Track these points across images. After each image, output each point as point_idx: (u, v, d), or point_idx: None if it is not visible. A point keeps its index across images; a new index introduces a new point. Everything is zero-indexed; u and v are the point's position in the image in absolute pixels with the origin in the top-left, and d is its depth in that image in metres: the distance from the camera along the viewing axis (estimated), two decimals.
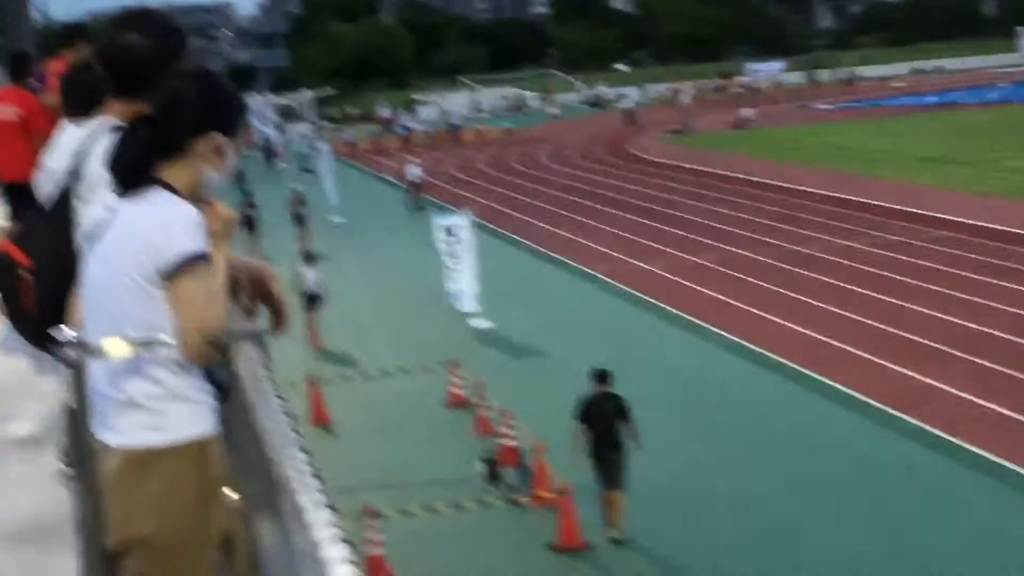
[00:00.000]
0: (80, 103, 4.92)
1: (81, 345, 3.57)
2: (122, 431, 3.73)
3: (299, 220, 42.07)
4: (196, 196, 3.82)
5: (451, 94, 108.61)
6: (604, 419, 16.97)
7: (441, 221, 30.07)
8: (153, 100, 3.88)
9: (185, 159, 3.82)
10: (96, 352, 3.59)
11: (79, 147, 4.45)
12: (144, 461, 3.69)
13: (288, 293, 4.34)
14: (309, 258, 30.17)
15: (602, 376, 17.58)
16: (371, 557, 15.69)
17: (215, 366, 3.79)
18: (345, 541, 2.52)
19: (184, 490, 3.69)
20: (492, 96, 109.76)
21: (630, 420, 17.05)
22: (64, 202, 4.44)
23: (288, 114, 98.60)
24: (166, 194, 3.75)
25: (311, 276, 28.86)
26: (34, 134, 11.82)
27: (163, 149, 3.81)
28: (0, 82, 13.70)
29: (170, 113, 3.82)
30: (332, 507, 2.53)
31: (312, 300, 28.28)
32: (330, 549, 2.46)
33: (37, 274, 4.39)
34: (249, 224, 41.02)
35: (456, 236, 29.17)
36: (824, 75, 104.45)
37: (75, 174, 4.42)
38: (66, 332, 3.59)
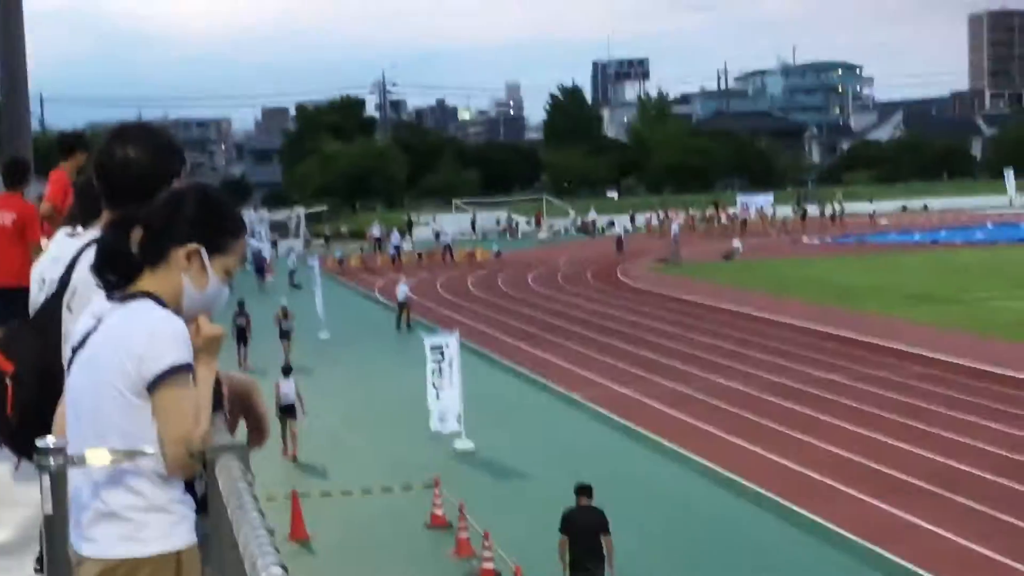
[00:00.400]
0: (90, 212, 4.96)
1: (63, 454, 3.59)
2: (100, 542, 3.72)
3: (284, 334, 42.17)
4: (179, 308, 3.85)
5: (443, 215, 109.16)
6: (586, 532, 17.45)
7: (430, 340, 30.14)
8: (151, 205, 3.91)
9: (168, 267, 3.84)
10: (78, 461, 3.61)
11: (71, 257, 4.49)
12: (121, 572, 3.69)
13: (268, 406, 4.37)
14: (286, 371, 30.61)
15: (585, 490, 18.08)
16: None
17: (196, 478, 3.80)
18: None
19: None
20: (484, 218, 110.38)
21: (609, 534, 17.51)
22: (51, 311, 4.45)
23: (280, 229, 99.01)
24: (153, 304, 3.77)
25: (286, 388, 29.27)
26: (29, 241, 11.90)
27: (150, 254, 3.84)
28: None
29: (163, 220, 3.85)
30: None
31: (287, 411, 28.70)
32: None
33: (19, 381, 4.38)
34: (241, 336, 41.24)
35: (443, 356, 29.21)
36: (812, 210, 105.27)
37: (64, 283, 4.45)
38: (48, 440, 3.60)
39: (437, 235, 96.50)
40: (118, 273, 3.81)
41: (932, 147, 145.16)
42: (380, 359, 42.60)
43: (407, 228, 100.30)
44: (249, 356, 40.97)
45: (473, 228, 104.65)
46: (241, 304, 42.57)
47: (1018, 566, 19.54)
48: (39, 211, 11.63)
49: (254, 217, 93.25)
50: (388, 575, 20.71)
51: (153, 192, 4.08)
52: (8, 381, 4.38)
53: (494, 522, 21.53)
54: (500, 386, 36.31)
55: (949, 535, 21.16)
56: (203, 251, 3.84)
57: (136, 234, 3.83)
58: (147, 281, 3.82)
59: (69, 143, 11.52)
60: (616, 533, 18.61)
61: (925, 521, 21.92)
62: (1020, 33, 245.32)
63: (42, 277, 4.78)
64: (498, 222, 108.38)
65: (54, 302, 4.46)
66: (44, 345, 4.37)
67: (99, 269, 3.84)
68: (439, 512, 23.15)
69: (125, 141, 4.38)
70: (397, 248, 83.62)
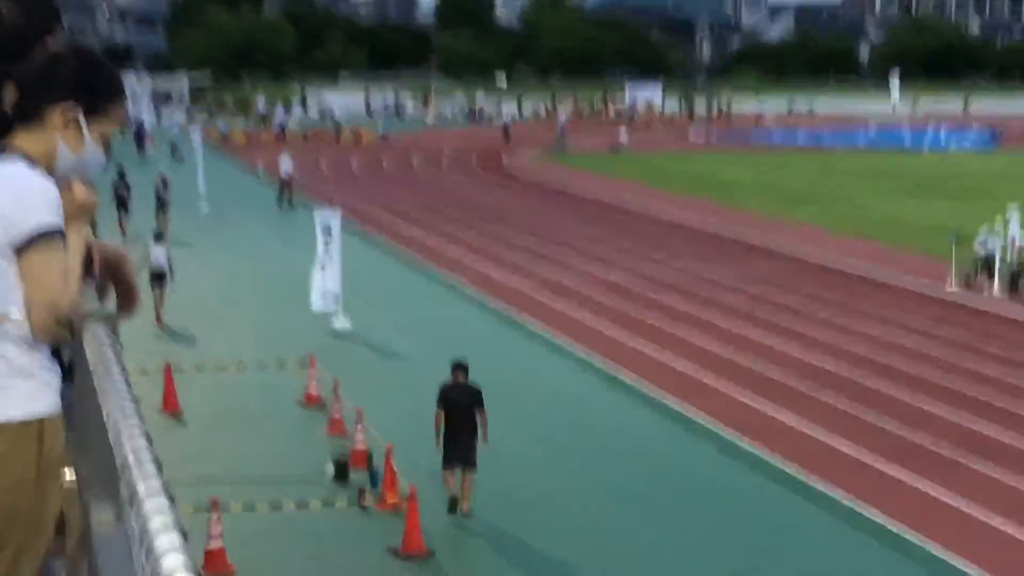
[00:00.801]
0: None
1: None
2: None
3: (161, 204, 41.68)
4: (52, 170, 3.75)
5: (332, 93, 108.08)
6: (461, 407, 18.14)
7: (319, 216, 29.76)
8: (27, 61, 3.78)
9: (43, 127, 3.73)
10: None
11: None
12: None
13: (141, 272, 4.30)
14: (159, 237, 30.98)
15: (461, 367, 18.56)
16: (210, 550, 15.55)
17: (62, 344, 3.73)
18: (181, 531, 2.50)
19: (20, 468, 3.63)
20: (373, 98, 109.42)
21: (483, 409, 18.21)
22: None
23: (163, 98, 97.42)
24: (23, 165, 3.66)
25: (159, 254, 29.37)
26: None
27: (23, 111, 3.72)
28: None
29: (40, 77, 3.73)
30: (170, 496, 2.51)
31: (159, 278, 28.87)
32: (163, 537, 2.43)
33: None
34: (121, 203, 40.87)
35: (324, 234, 29.02)
36: (700, 106, 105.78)
37: None
38: None
39: (323, 114, 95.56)
40: None
41: (820, 48, 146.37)
42: (261, 235, 42.32)
43: (302, 103, 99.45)
44: (128, 224, 40.54)
45: (368, 111, 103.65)
46: (121, 172, 42.14)
47: (877, 464, 20.04)
48: None
49: (136, 84, 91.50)
50: (259, 450, 20.69)
51: (26, 51, 3.95)
52: None
53: (368, 402, 21.59)
54: (380, 267, 36.28)
55: (812, 431, 21.61)
56: (80, 112, 3.74)
57: (9, 90, 3.71)
58: (18, 139, 3.71)
59: None
60: (495, 424, 18.83)
61: (790, 417, 22.36)
62: None
63: None
64: (385, 104, 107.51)
65: None
66: None
67: None
68: (313, 390, 23.15)
69: None
70: (282, 125, 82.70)
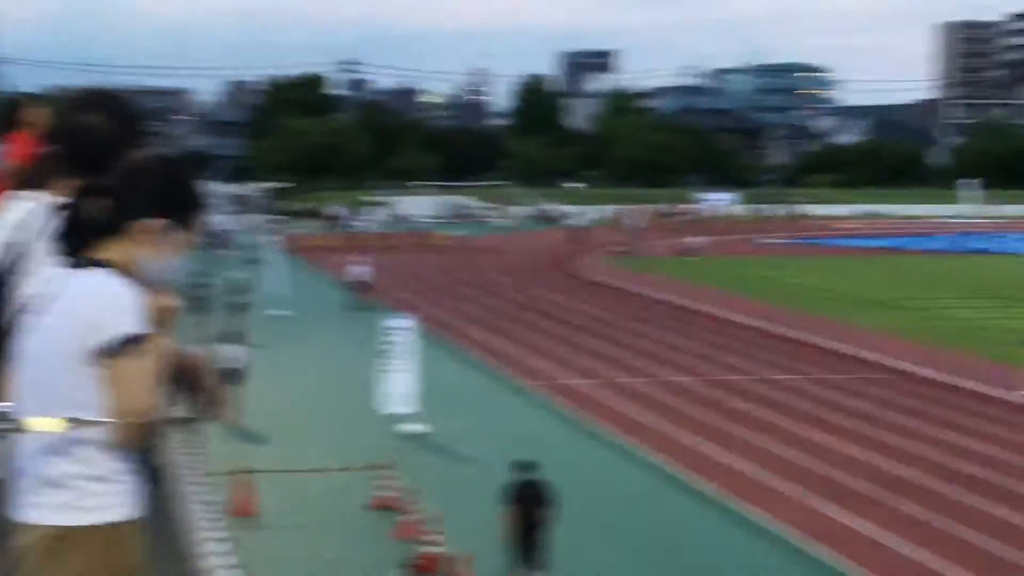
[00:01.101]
0: (48, 176, 4.92)
1: (10, 419, 3.57)
2: (43, 508, 3.71)
3: (236, 307, 42.02)
4: (137, 279, 3.83)
5: (404, 198, 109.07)
6: (528, 503, 18.17)
7: (385, 322, 30.06)
8: (113, 174, 3.88)
9: (131, 239, 3.82)
10: (24, 428, 3.59)
11: (25, 222, 4.44)
12: (62, 540, 3.68)
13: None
14: (235, 336, 31.35)
15: (526, 466, 18.73)
16: None
17: (143, 450, 3.79)
18: None
19: (100, 571, 3.68)
20: (443, 203, 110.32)
21: (551, 505, 18.30)
22: (5, 276, 4.42)
23: (240, 203, 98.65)
24: (110, 273, 3.75)
25: (233, 353, 29.55)
26: None
27: (112, 225, 3.81)
28: None
29: (126, 191, 3.82)
30: None
31: (233, 376, 28.75)
32: None
33: None
34: (198, 306, 41.28)
35: (398, 338, 29.16)
36: (772, 210, 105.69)
37: (17, 247, 4.40)
38: None
39: (396, 219, 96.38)
40: (80, 243, 3.78)
41: (894, 153, 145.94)
42: (335, 339, 42.51)
43: (373, 209, 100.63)
44: (205, 326, 40.84)
45: (440, 216, 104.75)
46: (200, 275, 42.63)
47: (959, 573, 19.68)
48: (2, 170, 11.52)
49: (214, 190, 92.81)
50: (333, 554, 20.68)
51: (114, 159, 4.06)
52: None
53: (440, 506, 21.53)
54: (453, 372, 36.30)
55: (890, 541, 21.29)
56: (168, 226, 3.83)
57: (100, 204, 3.80)
58: (107, 250, 3.80)
59: (25, 107, 11.37)
60: (561, 526, 18.87)
61: (867, 525, 22.04)
62: (987, 44, 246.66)
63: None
64: (457, 208, 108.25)
65: (5, 266, 4.42)
66: None
67: (62, 237, 3.80)
68: (385, 494, 23.12)
69: (88, 107, 4.34)
70: (355, 228, 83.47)
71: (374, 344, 30.89)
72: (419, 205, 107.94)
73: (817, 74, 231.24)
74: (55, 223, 3.90)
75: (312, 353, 39.61)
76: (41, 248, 4.27)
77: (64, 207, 3.88)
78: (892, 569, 19.87)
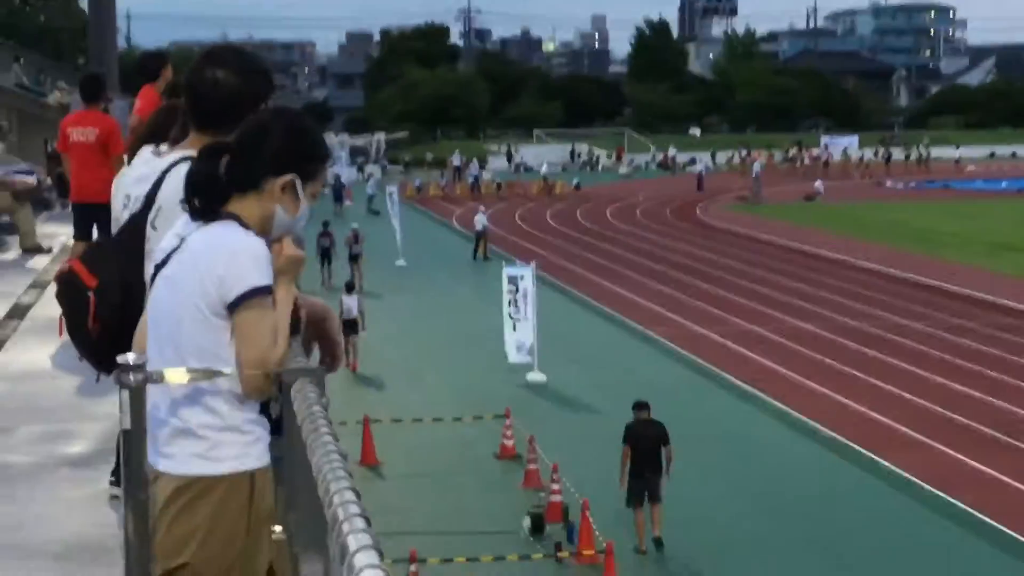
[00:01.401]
0: (173, 131, 4.97)
1: (142, 370, 3.62)
2: (176, 458, 3.77)
3: (353, 257, 42.41)
4: (266, 232, 3.87)
5: (524, 146, 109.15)
6: (648, 442, 18.82)
7: (506, 271, 30.18)
8: (239, 132, 3.91)
9: (260, 195, 3.86)
10: (157, 378, 3.64)
11: (157, 176, 4.50)
12: (195, 489, 3.73)
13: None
14: (350, 288, 31.92)
15: (642, 405, 19.49)
16: None
17: (271, 400, 3.83)
18: None
19: (232, 521, 3.73)
20: (564, 151, 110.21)
21: (670, 444, 18.85)
22: (136, 229, 4.48)
23: (360, 154, 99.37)
24: (236, 226, 3.79)
25: (351, 303, 30.15)
26: (112, 155, 12.00)
27: (240, 182, 3.85)
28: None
29: (253, 147, 3.85)
30: (378, 550, 2.55)
31: (351, 326, 29.20)
32: None
33: (102, 296, 4.43)
34: (325, 256, 41.98)
35: (519, 288, 29.24)
36: (897, 154, 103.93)
37: (150, 202, 4.46)
38: (128, 356, 3.63)
39: (518, 167, 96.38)
40: (207, 200, 3.82)
41: (1022, 93, 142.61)
42: (456, 289, 42.75)
43: (507, 156, 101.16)
44: (333, 275, 41.30)
45: (573, 158, 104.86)
46: (326, 225, 43.26)
47: None
48: (130, 125, 11.70)
49: (335, 142, 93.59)
50: (456, 504, 20.86)
51: (241, 115, 4.09)
52: (91, 295, 4.43)
53: (563, 455, 21.60)
54: (575, 320, 36.33)
55: (1019, 484, 20.98)
56: (298, 181, 3.87)
57: (226, 163, 3.84)
58: (234, 205, 3.84)
59: (156, 63, 11.52)
60: (684, 472, 18.94)
61: (996, 470, 21.74)
62: None
63: (127, 194, 4.79)
64: (579, 155, 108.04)
65: (139, 220, 4.48)
66: (127, 262, 4.40)
67: (189, 195, 3.84)
68: (509, 443, 23.25)
69: (216, 63, 4.36)
70: (476, 177, 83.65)
71: (496, 294, 31.01)
72: (540, 154, 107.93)
73: (942, 13, 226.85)
74: (183, 180, 3.94)
75: (434, 303, 39.87)
76: (168, 201, 4.31)
77: (192, 166, 3.92)
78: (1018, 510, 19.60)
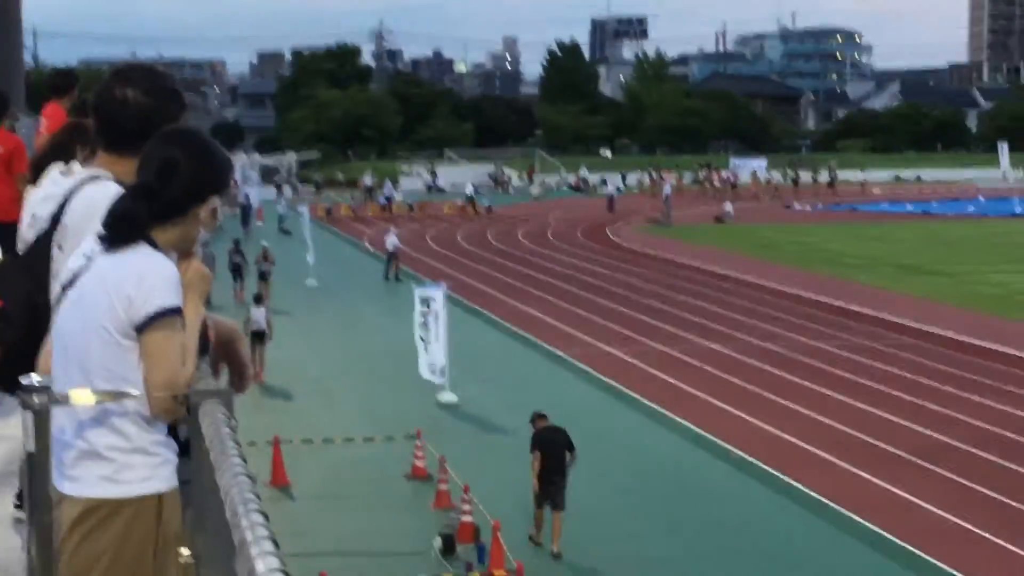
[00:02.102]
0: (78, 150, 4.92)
1: (47, 392, 3.57)
2: (81, 481, 3.72)
3: (262, 275, 42.50)
4: (186, 252, 3.86)
5: (435, 167, 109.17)
6: (556, 448, 19.65)
7: (418, 292, 30.19)
8: (145, 166, 3.89)
9: (182, 220, 3.86)
10: (62, 400, 3.60)
11: (63, 195, 4.45)
12: (101, 512, 3.69)
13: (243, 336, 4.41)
14: (258, 299, 32.78)
15: (543, 415, 20.59)
16: None
17: (179, 421, 3.79)
18: None
19: (139, 544, 3.69)
20: (475, 172, 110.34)
21: (574, 449, 19.69)
22: (41, 248, 4.43)
23: (271, 174, 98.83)
24: (145, 247, 3.77)
25: (258, 315, 31.11)
26: (16, 173, 11.85)
27: (162, 216, 3.84)
28: None
29: (168, 182, 3.84)
30: (287, 572, 2.53)
31: (258, 337, 30.24)
32: None
33: (6, 318, 4.37)
34: (236, 271, 42.46)
35: (430, 308, 29.22)
36: (805, 176, 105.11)
37: (56, 221, 4.41)
38: (32, 378, 3.59)
39: (429, 187, 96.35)
40: (129, 237, 3.79)
41: (928, 118, 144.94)
42: (367, 309, 42.66)
43: (432, 176, 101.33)
44: (245, 290, 41.42)
45: (496, 182, 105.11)
46: (236, 242, 43.88)
47: (997, 540, 19.63)
48: (36, 143, 11.54)
49: (246, 162, 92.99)
50: (367, 524, 20.76)
51: (149, 133, 4.06)
52: None
53: (475, 475, 21.60)
54: (486, 341, 36.36)
55: (930, 507, 21.25)
56: (216, 200, 3.91)
57: (143, 204, 3.81)
58: (153, 231, 3.83)
59: (65, 80, 11.41)
60: (596, 491, 19.03)
61: (906, 492, 22.00)
62: (1020, 7, 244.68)
63: (32, 213, 4.74)
64: (489, 177, 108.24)
65: (44, 240, 4.43)
66: (32, 283, 4.35)
67: (110, 233, 3.80)
68: (420, 463, 23.20)
69: (125, 82, 4.33)
70: (388, 198, 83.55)
71: (407, 313, 30.98)
72: (451, 174, 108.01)
73: (849, 38, 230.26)
74: (88, 200, 3.92)
75: (345, 323, 39.75)
76: (74, 221, 4.27)
77: (112, 206, 3.86)
78: (930, 534, 19.83)
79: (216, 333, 4.20)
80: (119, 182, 4.20)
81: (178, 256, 3.89)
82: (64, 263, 4.02)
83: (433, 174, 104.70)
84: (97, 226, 3.89)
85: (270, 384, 29.82)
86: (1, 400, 4.55)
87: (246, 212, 68.65)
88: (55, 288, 3.99)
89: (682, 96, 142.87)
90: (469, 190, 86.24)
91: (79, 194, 4.32)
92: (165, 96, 4.36)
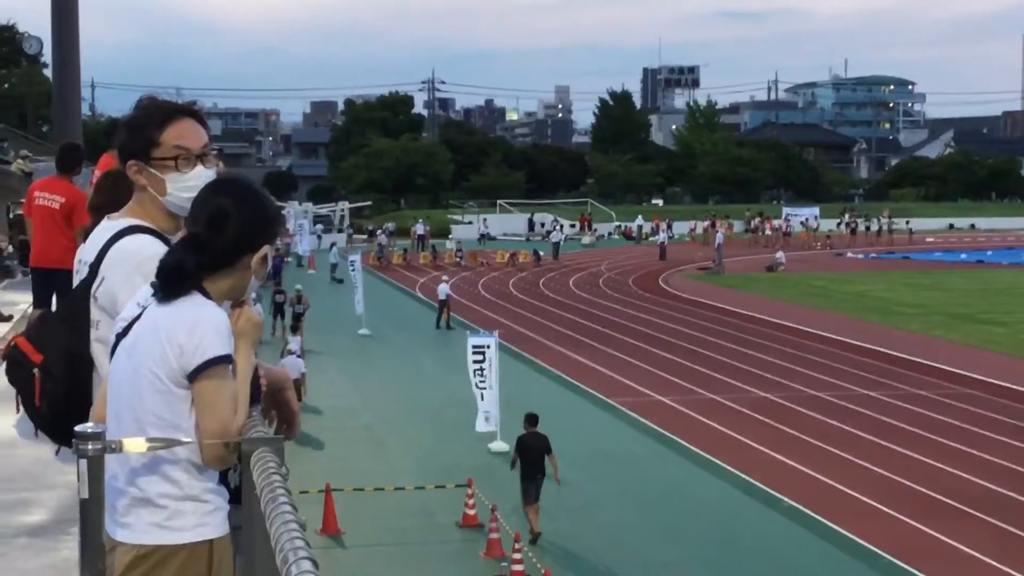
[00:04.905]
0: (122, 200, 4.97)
1: (101, 439, 3.63)
2: (134, 527, 3.77)
3: (296, 317, 42.90)
4: (237, 301, 3.92)
5: (488, 216, 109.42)
6: (533, 451, 22.38)
7: (471, 340, 30.15)
8: (195, 216, 3.95)
9: (232, 270, 3.91)
10: (116, 447, 3.65)
11: (103, 244, 4.48)
12: (153, 559, 3.73)
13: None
14: (294, 329, 35.58)
15: (531, 418, 23.34)
16: None
17: (231, 469, 3.84)
18: None
19: None
20: (528, 221, 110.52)
21: (553, 453, 22.52)
22: (81, 297, 4.47)
23: (324, 223, 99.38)
24: (198, 296, 3.82)
25: (293, 364, 31.19)
26: (76, 226, 12.01)
27: (214, 267, 3.89)
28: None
29: (219, 233, 3.89)
30: None
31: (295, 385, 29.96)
32: None
33: (47, 372, 4.39)
34: (278, 310, 43.23)
35: (483, 356, 29.19)
36: (858, 225, 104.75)
37: (94, 272, 4.45)
38: (86, 426, 3.64)
39: (481, 236, 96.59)
40: (180, 288, 3.83)
41: (981, 166, 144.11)
42: (419, 357, 42.69)
43: (457, 227, 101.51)
44: (285, 329, 41.98)
45: (532, 227, 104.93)
46: (278, 282, 44.48)
47: None
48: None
49: (298, 210, 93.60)
50: (418, 573, 20.74)
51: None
52: (36, 372, 4.39)
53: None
54: (538, 389, 36.28)
55: (986, 558, 21.02)
56: (267, 248, 3.96)
57: (194, 249, 3.86)
58: (205, 281, 3.88)
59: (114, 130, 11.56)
60: (649, 540, 18.83)
61: (962, 543, 21.78)
62: None
63: (79, 260, 4.80)
64: (543, 225, 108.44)
65: (84, 289, 4.47)
66: (72, 334, 4.38)
67: (162, 284, 3.85)
68: (471, 512, 23.17)
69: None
70: (433, 246, 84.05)
71: (458, 361, 30.98)
72: (503, 223, 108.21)
73: (901, 87, 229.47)
74: (123, 250, 3.99)
75: (396, 371, 39.80)
76: (110, 271, 4.31)
77: (164, 258, 3.91)
78: None
79: (267, 381, 4.25)
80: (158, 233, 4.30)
81: (230, 304, 3.95)
82: (100, 312, 4.09)
83: (484, 222, 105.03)
84: (123, 276, 3.96)
85: (321, 432, 29.86)
86: (59, 449, 4.59)
87: (300, 260, 69.09)
88: (93, 335, 4.05)
89: (733, 145, 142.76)
90: (557, 237, 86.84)
91: (114, 245, 4.37)
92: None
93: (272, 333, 41.87)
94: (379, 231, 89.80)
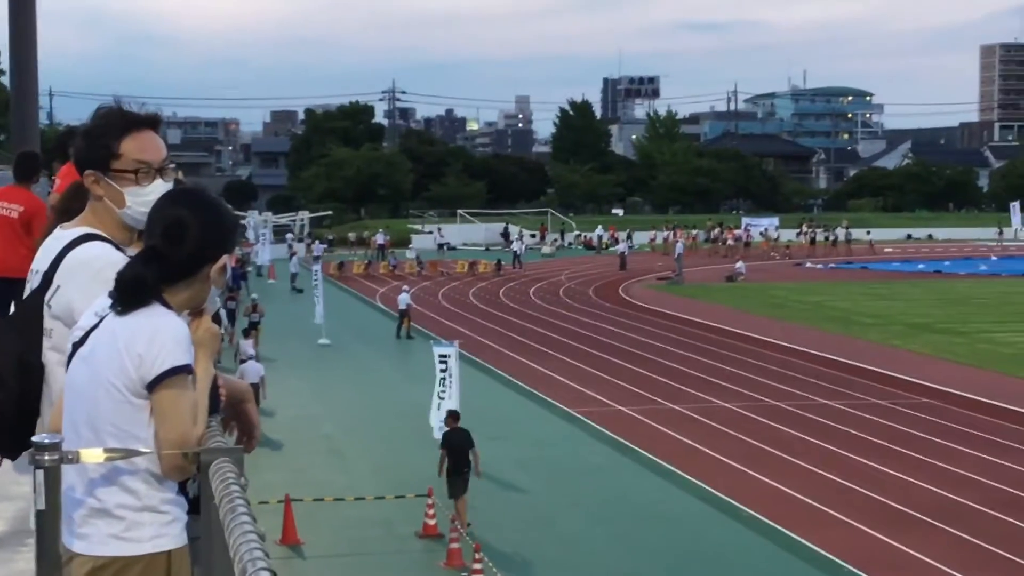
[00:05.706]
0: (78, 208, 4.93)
1: (57, 450, 3.60)
2: (91, 539, 3.74)
3: (252, 326, 42.84)
4: (196, 311, 3.89)
5: (448, 225, 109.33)
6: (458, 447, 23.65)
7: (436, 349, 30.07)
8: (151, 227, 3.91)
9: (192, 279, 3.88)
10: (72, 458, 3.62)
11: (56, 254, 4.43)
12: (111, 570, 3.70)
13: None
14: (246, 333, 35.41)
15: (453, 414, 24.78)
16: None
17: (190, 479, 3.81)
18: None
19: None
20: (488, 230, 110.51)
21: (475, 447, 23.67)
22: (33, 306, 4.42)
23: (283, 233, 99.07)
24: (157, 307, 3.80)
25: (252, 369, 31.04)
26: (35, 235, 11.91)
27: (173, 278, 3.86)
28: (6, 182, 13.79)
29: (178, 245, 3.86)
30: None
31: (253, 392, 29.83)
32: None
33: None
34: (230, 317, 43.16)
35: (446, 365, 29.13)
36: (817, 235, 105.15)
37: (48, 280, 4.41)
38: (43, 436, 3.61)
39: (440, 246, 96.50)
40: (139, 300, 3.80)
41: (939, 176, 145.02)
42: (379, 367, 42.61)
43: (417, 236, 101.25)
44: (236, 335, 41.57)
45: (506, 238, 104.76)
46: (230, 289, 44.21)
47: None
48: (49, 202, 11.62)
49: (258, 220, 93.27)
50: None
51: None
52: None
53: (486, 534, 21.53)
54: (498, 398, 36.29)
55: (942, 566, 21.13)
56: (225, 258, 3.94)
57: (151, 261, 3.84)
58: (164, 292, 3.86)
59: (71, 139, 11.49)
60: (609, 551, 18.83)
61: (922, 553, 21.88)
62: None
63: (32, 268, 4.74)
64: (501, 235, 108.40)
65: (36, 298, 4.42)
66: (24, 343, 4.33)
67: (120, 296, 3.82)
68: (431, 522, 23.12)
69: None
70: (397, 255, 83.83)
71: (419, 371, 30.94)
72: (463, 232, 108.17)
73: (860, 97, 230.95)
74: (77, 258, 3.96)
75: (356, 381, 39.70)
76: (65, 280, 4.27)
77: (121, 271, 3.87)
78: None
79: (227, 392, 4.22)
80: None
81: (189, 314, 3.92)
82: (53, 320, 4.05)
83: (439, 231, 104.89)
84: (80, 284, 3.93)
85: (281, 442, 29.76)
86: (13, 459, 4.54)
87: (259, 270, 68.87)
88: (46, 345, 4.03)
89: (693, 155, 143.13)
90: (517, 247, 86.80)
91: (69, 254, 4.33)
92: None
93: (229, 341, 41.35)
94: (315, 241, 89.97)
